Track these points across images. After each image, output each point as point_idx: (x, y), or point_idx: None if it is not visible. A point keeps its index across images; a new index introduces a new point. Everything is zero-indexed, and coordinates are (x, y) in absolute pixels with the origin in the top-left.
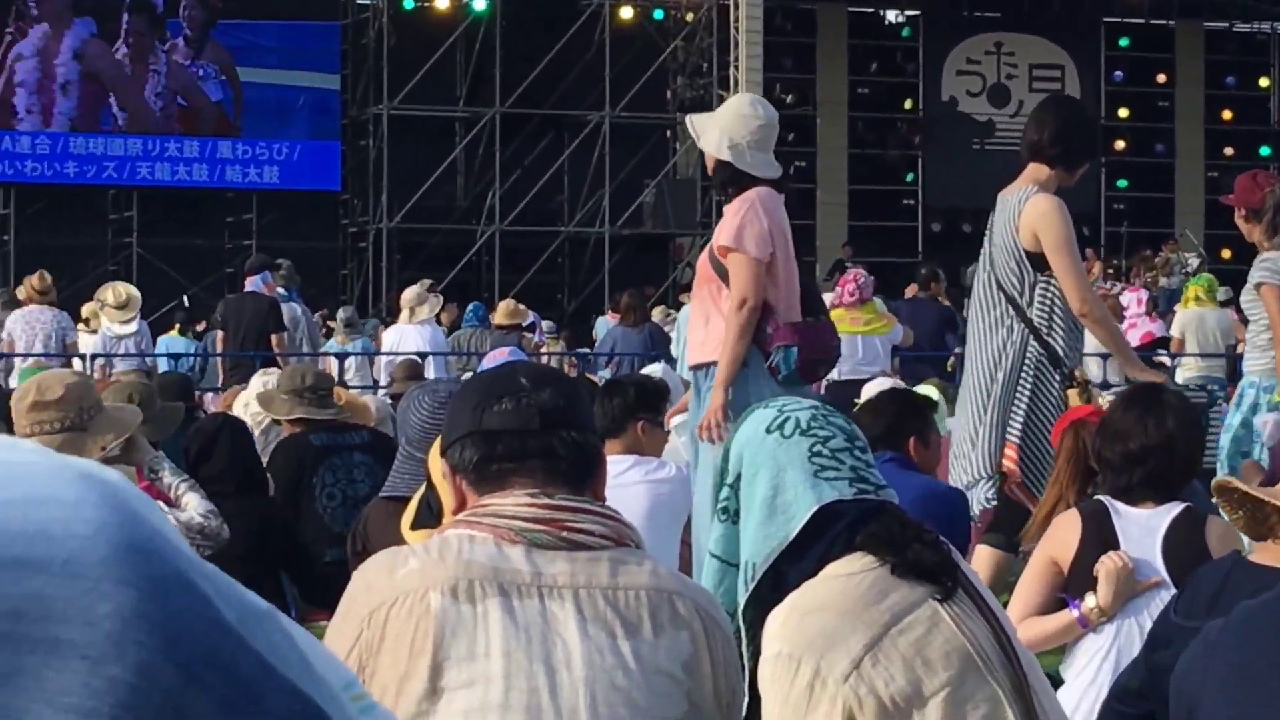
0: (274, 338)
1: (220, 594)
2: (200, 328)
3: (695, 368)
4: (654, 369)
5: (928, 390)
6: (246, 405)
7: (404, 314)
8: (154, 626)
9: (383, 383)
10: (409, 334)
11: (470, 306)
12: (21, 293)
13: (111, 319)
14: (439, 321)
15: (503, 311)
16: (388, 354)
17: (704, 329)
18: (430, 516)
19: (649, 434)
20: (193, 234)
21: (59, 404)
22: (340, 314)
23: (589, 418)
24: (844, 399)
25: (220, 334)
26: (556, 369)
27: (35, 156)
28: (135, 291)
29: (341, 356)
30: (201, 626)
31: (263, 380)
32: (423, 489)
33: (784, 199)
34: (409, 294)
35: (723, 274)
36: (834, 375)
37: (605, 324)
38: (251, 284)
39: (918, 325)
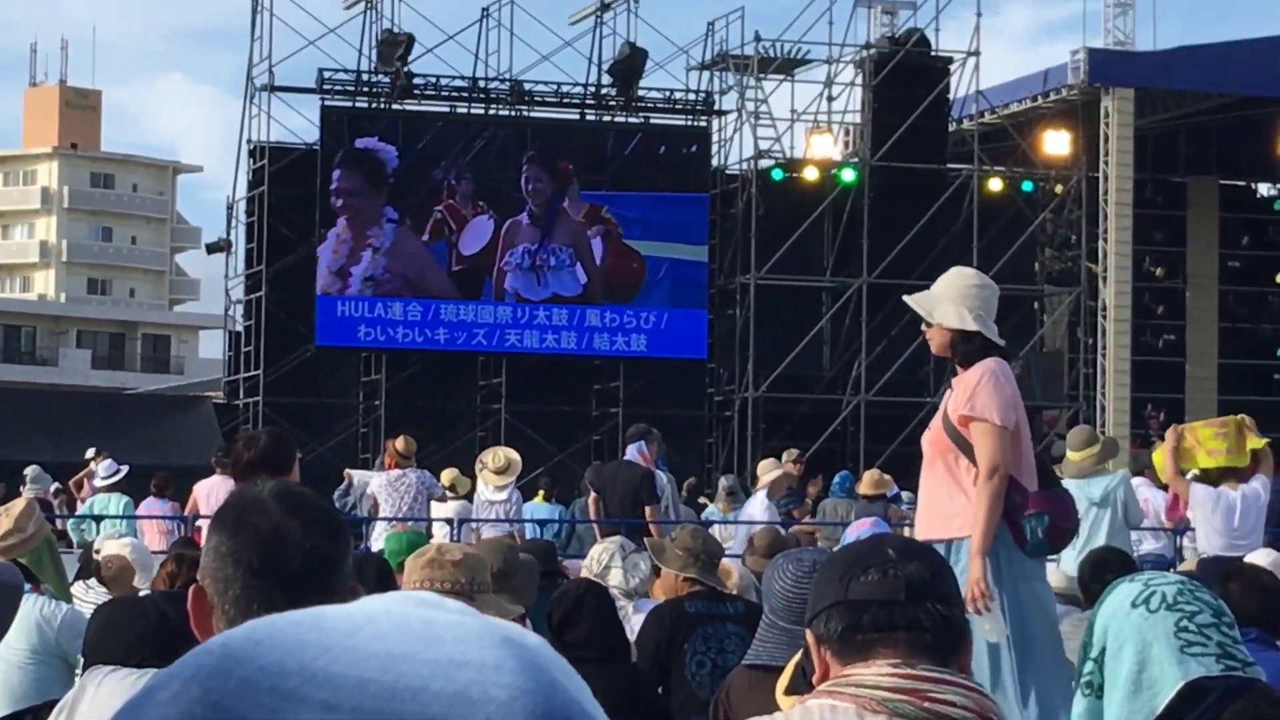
0: (647, 508)
1: None
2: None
3: (940, 542)
4: None
5: None
6: (597, 561)
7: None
8: None
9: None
10: (755, 502)
11: (838, 477)
12: (387, 458)
13: (488, 482)
14: (805, 491)
15: (868, 481)
16: (747, 522)
17: (948, 501)
18: (804, 683)
19: None
20: (560, 400)
21: (455, 566)
22: (723, 482)
23: (955, 591)
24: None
25: (592, 498)
26: (922, 543)
27: (407, 323)
28: (516, 457)
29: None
30: None
31: (618, 548)
32: (798, 655)
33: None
34: (767, 465)
35: (960, 444)
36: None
37: None
38: (629, 453)
39: None
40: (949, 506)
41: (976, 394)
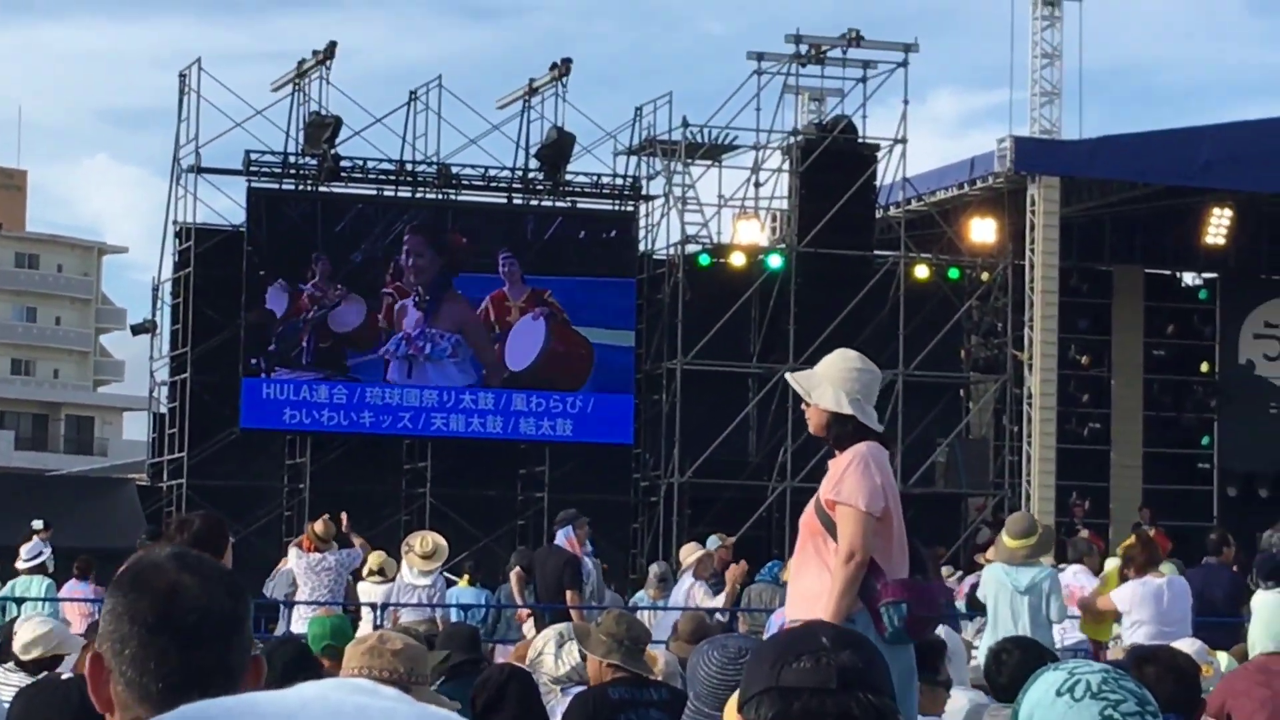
0: (569, 594)
1: None
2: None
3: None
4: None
5: (1224, 660)
6: (534, 649)
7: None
8: None
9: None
10: (680, 588)
11: (767, 565)
12: (305, 540)
13: (414, 566)
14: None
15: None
16: (677, 608)
17: (815, 581)
18: None
19: (927, 694)
20: (485, 484)
21: (395, 655)
22: (654, 569)
23: (887, 681)
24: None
25: (515, 573)
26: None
27: (332, 406)
28: (443, 543)
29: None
30: None
31: (556, 635)
32: None
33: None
34: (690, 549)
35: (829, 526)
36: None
37: None
38: (558, 538)
39: (1211, 592)
40: (815, 586)
41: (844, 479)
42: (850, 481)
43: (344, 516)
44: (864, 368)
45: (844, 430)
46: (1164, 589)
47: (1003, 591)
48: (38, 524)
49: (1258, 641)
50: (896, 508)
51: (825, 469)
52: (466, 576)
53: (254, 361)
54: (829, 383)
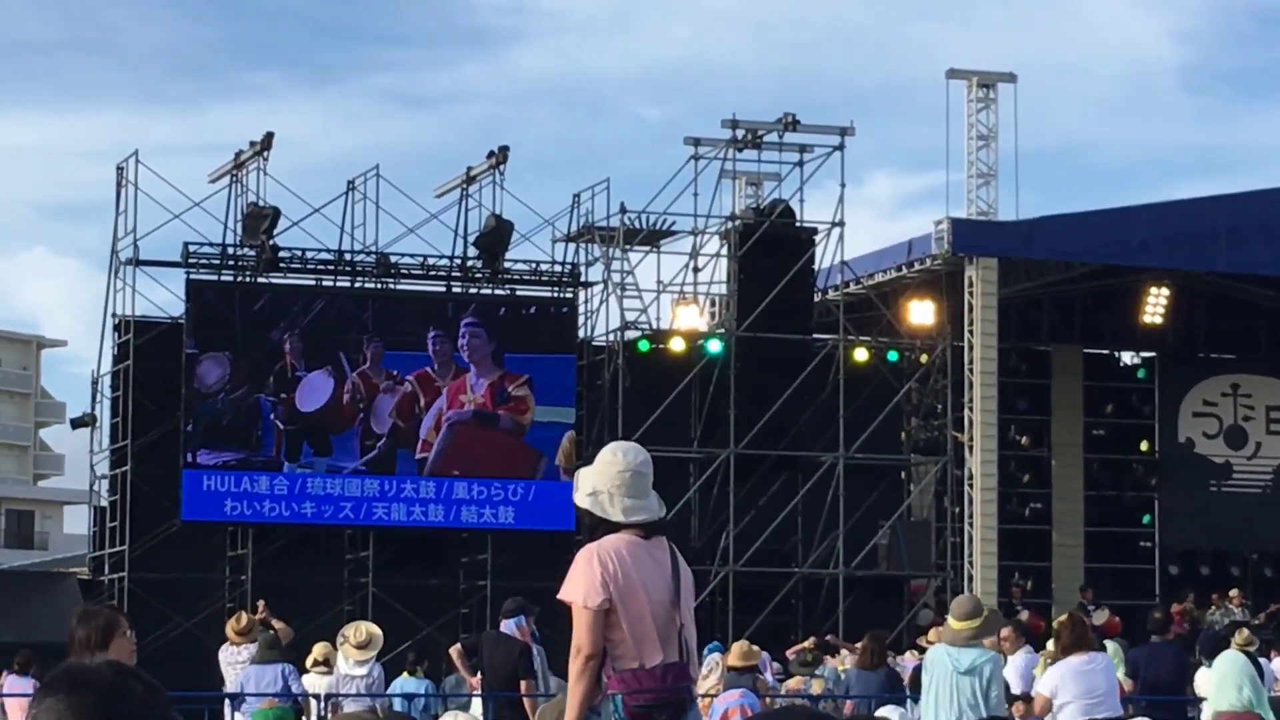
0: (524, 683)
1: None
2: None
3: None
4: (887, 712)
5: None
6: None
7: None
8: None
9: None
10: None
11: (707, 647)
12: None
13: (349, 656)
14: None
15: (736, 653)
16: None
17: None
18: None
19: None
20: (428, 573)
21: None
22: None
23: None
24: None
25: (456, 650)
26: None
27: (273, 497)
28: (377, 631)
29: None
30: None
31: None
32: None
33: (662, 540)
34: None
35: None
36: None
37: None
38: (506, 626)
39: (1156, 671)
40: None
41: (569, 576)
42: (571, 578)
43: (260, 604)
44: (624, 461)
45: (592, 523)
46: (1087, 665)
47: (943, 672)
48: None
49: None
50: (643, 596)
51: (767, 553)
52: (411, 666)
53: (190, 437)
54: (585, 478)
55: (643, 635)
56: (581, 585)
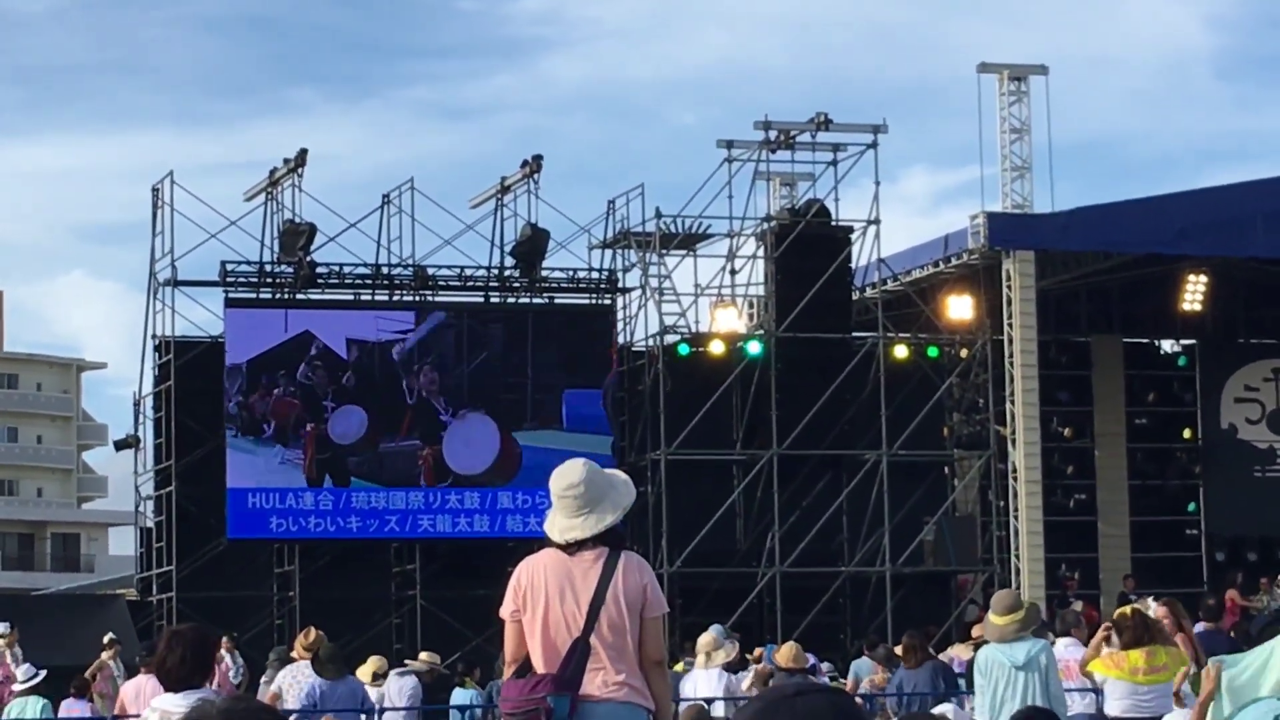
0: None
1: None
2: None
3: None
4: (944, 709)
5: None
6: None
7: (700, 658)
8: None
9: None
10: (702, 679)
11: (766, 650)
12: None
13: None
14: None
15: (785, 655)
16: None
17: None
18: None
19: None
20: (475, 584)
21: None
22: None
23: None
24: None
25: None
26: (830, 685)
27: (319, 513)
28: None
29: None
30: None
31: None
32: None
33: (598, 553)
34: (706, 639)
35: None
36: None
37: (865, 664)
38: None
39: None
40: None
41: None
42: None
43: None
44: (554, 486)
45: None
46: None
47: (1001, 670)
48: (2, 627)
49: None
50: (549, 607)
51: (813, 553)
52: (465, 679)
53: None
54: None
55: (543, 645)
56: (506, 598)
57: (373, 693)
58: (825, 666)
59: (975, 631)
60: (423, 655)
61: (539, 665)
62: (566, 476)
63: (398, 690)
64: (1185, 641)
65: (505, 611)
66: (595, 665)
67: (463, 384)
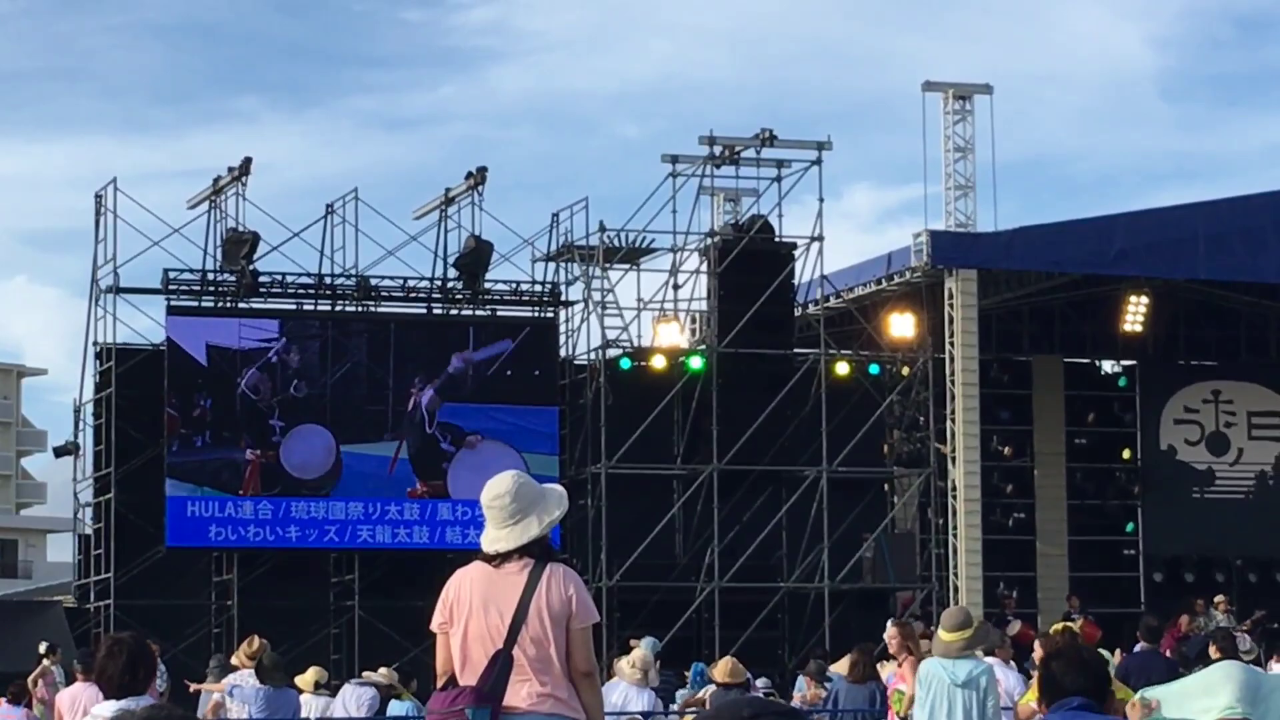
0: None
1: None
2: None
3: None
4: None
5: None
6: None
7: (631, 672)
8: None
9: None
10: (633, 694)
11: (693, 668)
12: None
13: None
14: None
15: (722, 670)
16: (612, 714)
17: None
18: None
19: None
20: (413, 595)
21: None
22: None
23: None
24: None
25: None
26: (785, 705)
27: (258, 522)
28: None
29: None
30: None
31: None
32: None
33: (523, 564)
34: (640, 655)
35: None
36: None
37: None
38: None
39: (1148, 678)
40: None
41: None
42: None
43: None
44: (483, 497)
45: None
46: None
47: (940, 685)
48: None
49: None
50: (472, 619)
51: (752, 569)
52: (401, 690)
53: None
54: None
55: (466, 657)
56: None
57: (315, 702)
58: (762, 682)
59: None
60: (382, 670)
61: (464, 678)
62: (495, 487)
63: (355, 699)
64: (910, 665)
65: (435, 624)
66: (520, 677)
67: (325, 394)
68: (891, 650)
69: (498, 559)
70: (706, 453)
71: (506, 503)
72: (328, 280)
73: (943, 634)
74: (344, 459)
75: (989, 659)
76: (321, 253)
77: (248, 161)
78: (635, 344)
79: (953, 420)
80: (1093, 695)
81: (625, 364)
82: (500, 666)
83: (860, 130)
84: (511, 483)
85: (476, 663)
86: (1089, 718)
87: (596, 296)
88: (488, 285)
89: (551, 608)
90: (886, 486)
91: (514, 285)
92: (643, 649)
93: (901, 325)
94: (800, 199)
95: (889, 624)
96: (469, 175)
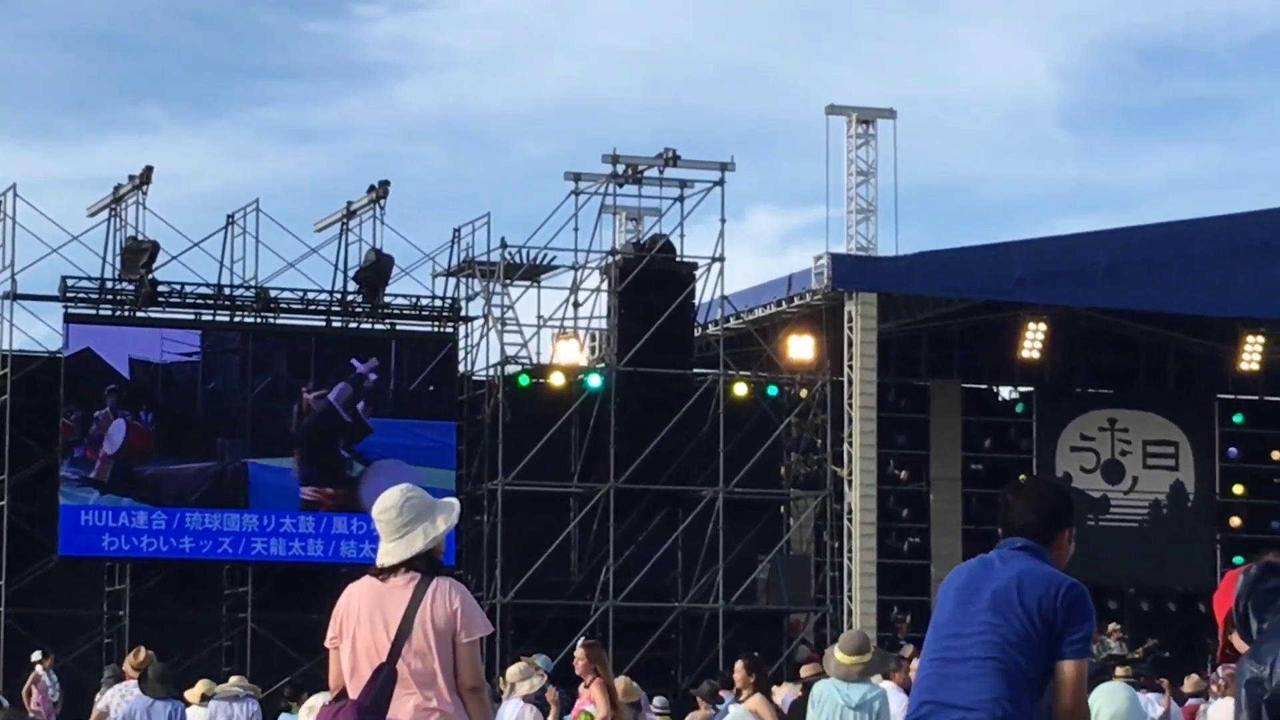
0: None
1: None
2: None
3: None
4: None
5: None
6: None
7: (506, 689)
8: None
9: None
10: (508, 711)
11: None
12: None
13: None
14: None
15: (618, 689)
16: None
17: None
18: None
19: None
20: (308, 609)
21: None
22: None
23: None
24: None
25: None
26: None
27: (151, 532)
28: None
29: None
30: None
31: None
32: None
33: (409, 578)
34: (514, 670)
35: None
36: None
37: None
38: None
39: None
40: None
41: None
42: None
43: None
44: (374, 510)
45: None
46: None
47: (832, 707)
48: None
49: None
50: (358, 634)
51: (647, 588)
52: (291, 703)
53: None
54: None
55: (354, 671)
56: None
57: (201, 714)
58: (657, 702)
59: (804, 671)
60: (233, 679)
61: (353, 692)
62: (384, 501)
63: (245, 714)
64: (599, 686)
65: (328, 640)
66: (405, 692)
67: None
68: (579, 671)
69: (385, 573)
70: (603, 471)
71: (393, 516)
72: (227, 291)
73: (840, 656)
74: (250, 470)
75: (884, 683)
76: (221, 263)
77: (149, 170)
78: (534, 361)
79: (850, 443)
80: (1036, 536)
81: (524, 381)
82: (383, 680)
83: (764, 152)
84: (400, 496)
85: (364, 676)
86: (1026, 561)
87: (496, 313)
88: (388, 299)
89: (436, 621)
90: (783, 508)
91: (414, 300)
92: (518, 663)
93: (800, 347)
94: (702, 219)
95: (579, 645)
96: (371, 189)
